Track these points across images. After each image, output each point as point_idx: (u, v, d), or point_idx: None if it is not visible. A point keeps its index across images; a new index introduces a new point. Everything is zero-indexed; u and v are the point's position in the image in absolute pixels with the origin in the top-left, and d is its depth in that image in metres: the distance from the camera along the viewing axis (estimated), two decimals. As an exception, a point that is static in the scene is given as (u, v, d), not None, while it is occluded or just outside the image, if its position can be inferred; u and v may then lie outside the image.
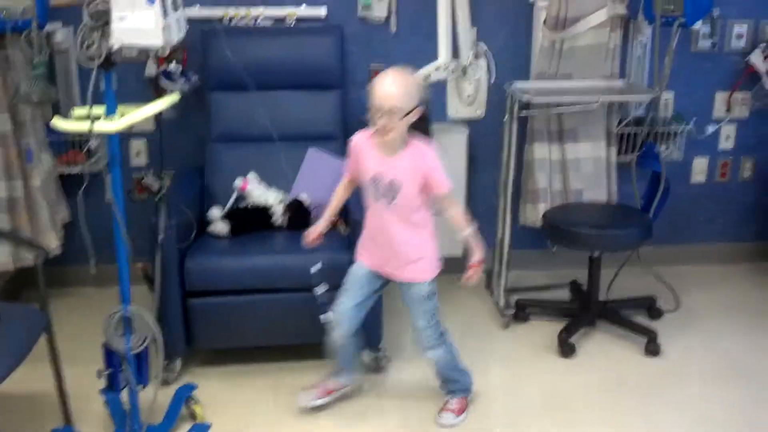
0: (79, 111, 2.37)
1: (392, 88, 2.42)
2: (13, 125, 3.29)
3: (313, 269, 2.79)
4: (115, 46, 2.17)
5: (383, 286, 2.72)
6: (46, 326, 2.51)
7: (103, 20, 2.15)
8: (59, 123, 2.30)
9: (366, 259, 2.68)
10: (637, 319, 3.37)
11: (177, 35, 2.30)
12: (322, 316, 2.71)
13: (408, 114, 2.44)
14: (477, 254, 2.57)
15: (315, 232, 2.75)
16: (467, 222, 2.60)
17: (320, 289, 2.79)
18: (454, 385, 2.80)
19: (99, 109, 2.28)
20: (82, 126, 2.23)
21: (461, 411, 2.78)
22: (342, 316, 2.66)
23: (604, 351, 3.24)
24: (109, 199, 2.36)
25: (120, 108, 2.34)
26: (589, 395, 2.93)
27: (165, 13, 2.19)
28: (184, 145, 3.63)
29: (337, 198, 2.76)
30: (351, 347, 2.76)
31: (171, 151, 3.53)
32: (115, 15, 2.13)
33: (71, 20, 3.44)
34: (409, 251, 2.61)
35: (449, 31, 3.27)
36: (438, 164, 2.53)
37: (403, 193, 2.52)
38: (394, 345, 3.20)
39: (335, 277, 2.76)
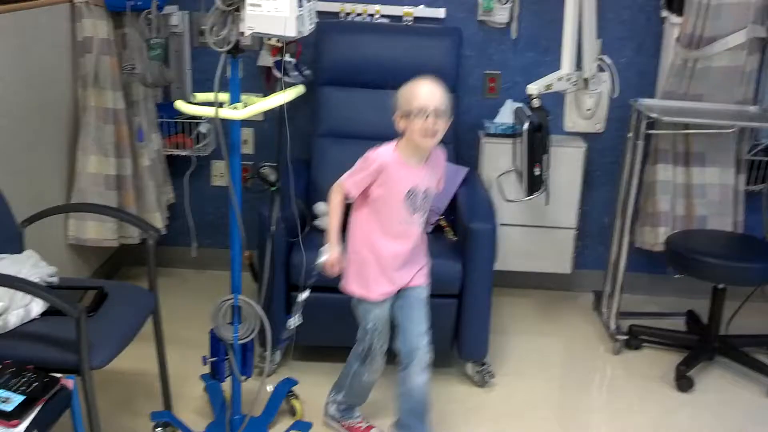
0: (201, 96, 2.35)
1: (438, 90, 2.30)
2: (126, 104, 3.30)
3: (300, 298, 2.60)
4: (246, 33, 2.12)
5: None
6: (154, 308, 2.50)
7: (235, 5, 2.11)
8: (182, 106, 2.28)
9: (384, 295, 2.46)
10: (760, 358, 3.19)
11: (308, 27, 2.24)
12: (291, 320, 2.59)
13: None
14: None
15: (339, 262, 2.44)
16: None
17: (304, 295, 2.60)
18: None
19: (222, 96, 2.25)
20: (207, 111, 2.20)
21: None
22: (383, 359, 2.57)
23: (723, 389, 3.08)
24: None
25: (243, 96, 2.31)
26: (703, 435, 2.80)
27: (299, 3, 2.13)
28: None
29: (339, 219, 2.46)
30: None
31: (273, 143, 3.47)
32: (249, 1, 2.08)
33: (187, 5, 3.51)
34: (423, 257, 2.56)
35: (574, 41, 3.18)
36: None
37: (430, 202, 2.47)
38: (498, 360, 3.15)
39: (446, 287, 2.70)
